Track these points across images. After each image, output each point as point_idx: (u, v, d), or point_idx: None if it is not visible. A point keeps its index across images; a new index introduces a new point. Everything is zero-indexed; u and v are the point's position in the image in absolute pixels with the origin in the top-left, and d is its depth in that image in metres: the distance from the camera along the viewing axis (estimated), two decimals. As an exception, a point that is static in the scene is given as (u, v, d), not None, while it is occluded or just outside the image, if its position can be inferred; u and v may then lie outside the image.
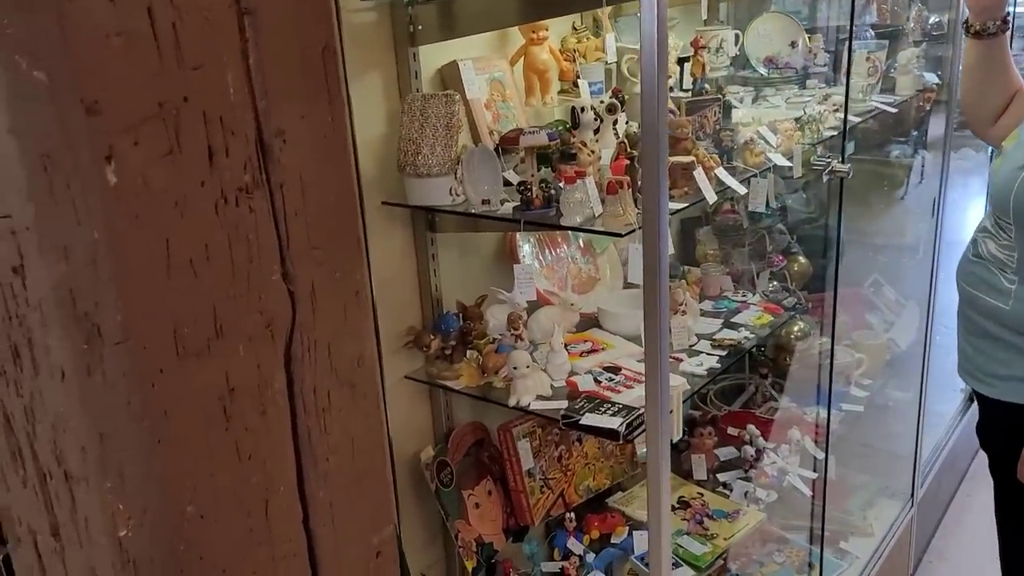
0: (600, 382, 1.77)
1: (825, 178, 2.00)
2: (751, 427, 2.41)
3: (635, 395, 1.69)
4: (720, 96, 2.03)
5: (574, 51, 2.10)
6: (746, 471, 2.31)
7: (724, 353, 1.90)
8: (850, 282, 3.04)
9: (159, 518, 0.62)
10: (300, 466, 0.78)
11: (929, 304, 2.75)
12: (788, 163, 1.87)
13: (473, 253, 2.05)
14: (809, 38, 2.75)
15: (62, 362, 0.56)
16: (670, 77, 2.24)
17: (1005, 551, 2.16)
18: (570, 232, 2.22)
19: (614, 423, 1.57)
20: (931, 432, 3.26)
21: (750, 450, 2.33)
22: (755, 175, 1.80)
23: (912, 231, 2.88)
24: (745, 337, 1.98)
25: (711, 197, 1.63)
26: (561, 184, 1.55)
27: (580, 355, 1.92)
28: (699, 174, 1.62)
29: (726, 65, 2.59)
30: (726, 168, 1.80)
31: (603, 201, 1.49)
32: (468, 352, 1.91)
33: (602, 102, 1.97)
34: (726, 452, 2.41)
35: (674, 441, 1.58)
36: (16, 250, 0.54)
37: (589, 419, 1.59)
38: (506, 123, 1.97)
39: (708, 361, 1.85)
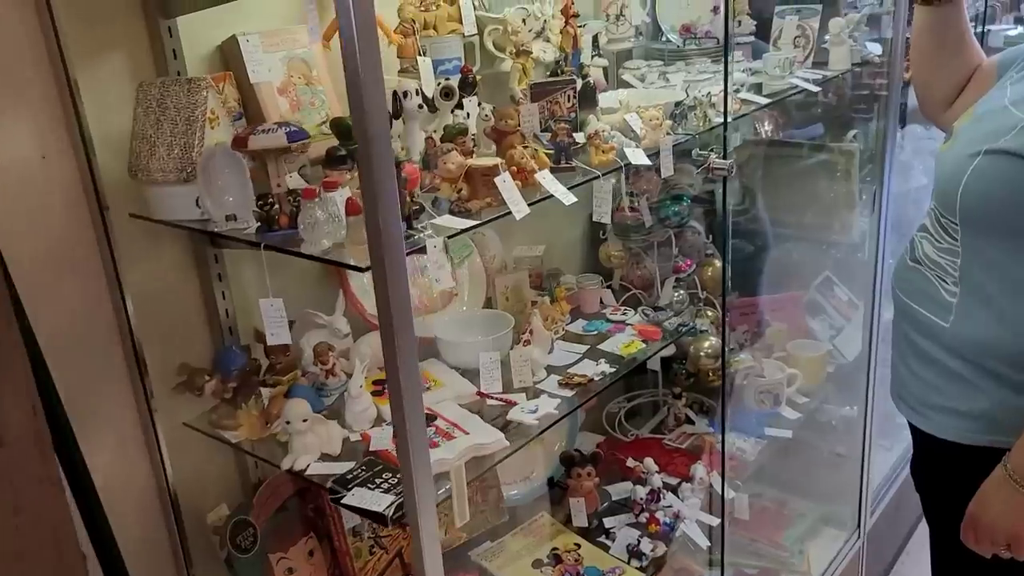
0: (402, 436, 1.43)
1: (703, 177, 1.64)
2: (648, 460, 2.07)
3: (435, 456, 1.35)
4: (575, 78, 1.65)
5: (413, 22, 1.73)
6: (636, 515, 1.97)
7: (571, 393, 1.55)
8: (794, 283, 2.67)
9: None
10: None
11: (872, 309, 2.37)
12: (647, 161, 1.49)
13: (285, 268, 1.71)
14: (734, 2, 2.36)
15: None
16: (535, 53, 1.88)
17: None
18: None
19: (383, 502, 1.23)
20: (888, 454, 2.90)
21: (642, 491, 1.98)
22: (596, 177, 1.43)
23: (860, 225, 2.50)
24: (602, 373, 1.62)
25: (519, 211, 1.27)
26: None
27: (396, 396, 1.58)
28: (503, 181, 1.26)
29: (630, 36, 2.21)
30: (565, 167, 1.44)
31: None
32: (262, 394, 1.57)
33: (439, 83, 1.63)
34: (620, 489, 2.08)
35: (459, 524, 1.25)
36: None
37: (356, 496, 1.25)
38: (310, 112, 1.62)
39: (546, 405, 1.50)
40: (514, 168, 1.34)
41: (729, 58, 1.66)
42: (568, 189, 1.35)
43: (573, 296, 1.94)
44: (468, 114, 1.56)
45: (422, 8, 1.77)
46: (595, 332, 1.79)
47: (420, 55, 1.73)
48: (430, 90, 1.64)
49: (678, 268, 2.14)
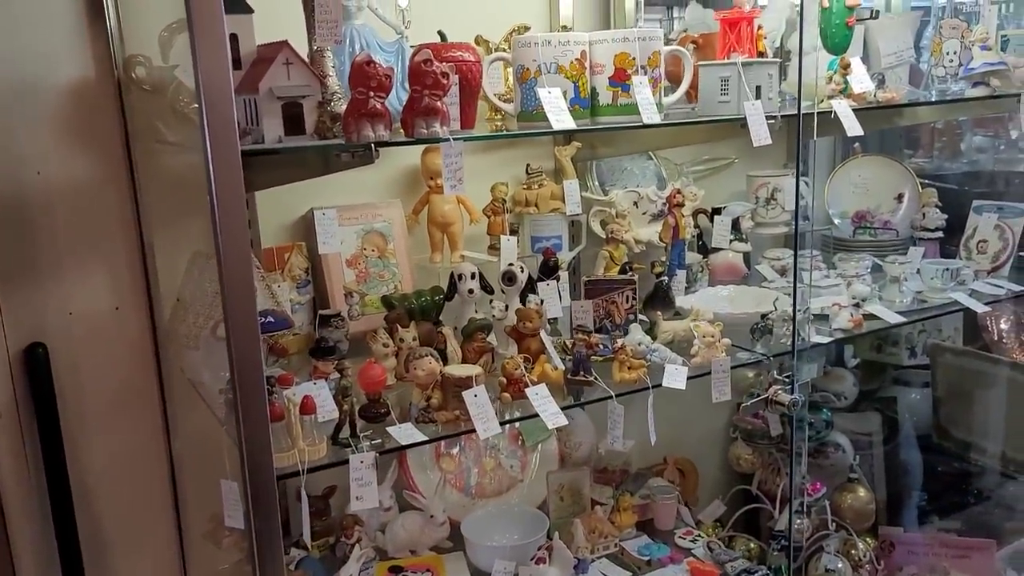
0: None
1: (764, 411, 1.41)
2: None
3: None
4: (634, 278, 1.52)
5: (503, 202, 1.72)
6: None
7: (571, 632, 1.37)
8: (990, 526, 2.18)
9: None
10: None
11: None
12: (681, 385, 1.31)
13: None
14: (921, 194, 2.06)
15: None
16: (647, 238, 1.77)
17: None
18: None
19: None
20: None
21: None
22: (607, 398, 1.29)
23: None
24: (616, 614, 1.42)
25: (485, 430, 1.17)
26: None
27: (397, 591, 1.50)
28: (474, 396, 1.18)
29: (783, 221, 2.00)
30: (580, 380, 1.31)
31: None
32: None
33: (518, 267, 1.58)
34: None
35: None
36: None
37: None
38: (376, 284, 1.65)
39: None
40: (503, 380, 1.25)
41: (800, 264, 1.44)
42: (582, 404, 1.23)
43: (649, 506, 1.74)
44: (507, 307, 1.49)
45: (524, 187, 1.76)
46: (648, 558, 1.58)
47: (506, 234, 1.71)
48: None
49: (804, 490, 1.84)
